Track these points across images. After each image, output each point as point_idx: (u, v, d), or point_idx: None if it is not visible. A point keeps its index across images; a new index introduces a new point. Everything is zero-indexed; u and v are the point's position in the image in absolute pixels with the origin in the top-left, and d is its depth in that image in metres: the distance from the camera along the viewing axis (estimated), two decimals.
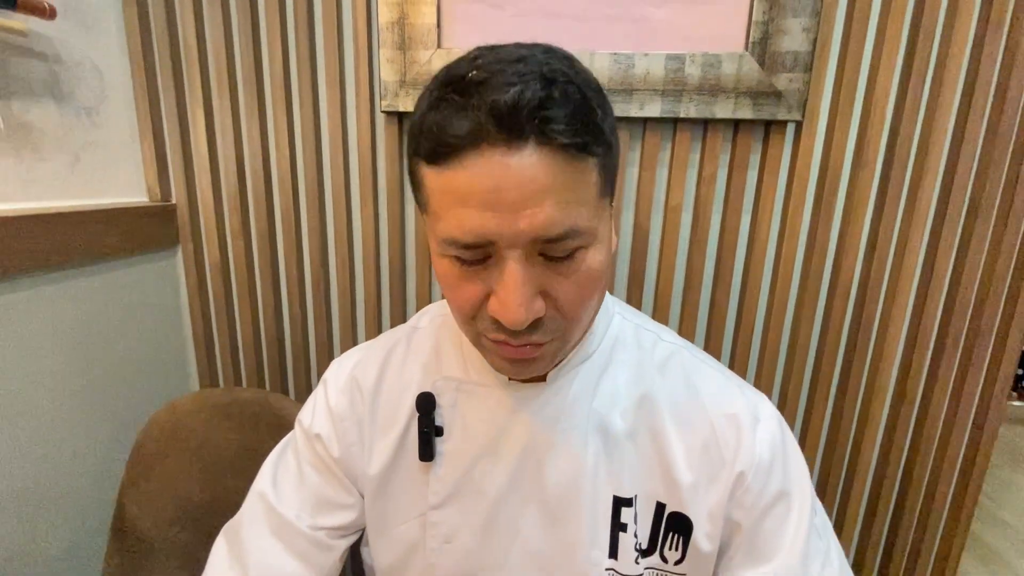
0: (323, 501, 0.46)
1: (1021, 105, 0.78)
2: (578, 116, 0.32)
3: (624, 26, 0.76)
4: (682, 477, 0.43)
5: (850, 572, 0.46)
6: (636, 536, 0.44)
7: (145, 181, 0.91)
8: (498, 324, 0.35)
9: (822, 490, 0.93)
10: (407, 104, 0.80)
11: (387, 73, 0.79)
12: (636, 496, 0.44)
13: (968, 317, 0.85)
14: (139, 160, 0.90)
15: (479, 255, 0.34)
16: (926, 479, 0.91)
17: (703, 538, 0.43)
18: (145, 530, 0.67)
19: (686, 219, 0.85)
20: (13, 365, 0.69)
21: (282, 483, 0.46)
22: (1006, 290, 0.84)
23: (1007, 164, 0.80)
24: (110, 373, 0.82)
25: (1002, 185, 0.80)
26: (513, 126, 0.31)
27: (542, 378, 0.44)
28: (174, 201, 0.91)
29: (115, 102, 0.85)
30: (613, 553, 0.43)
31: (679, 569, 0.44)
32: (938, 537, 0.93)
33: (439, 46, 0.78)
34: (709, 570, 0.45)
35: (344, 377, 0.48)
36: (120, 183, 0.87)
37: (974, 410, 0.88)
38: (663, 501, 0.44)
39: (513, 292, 0.33)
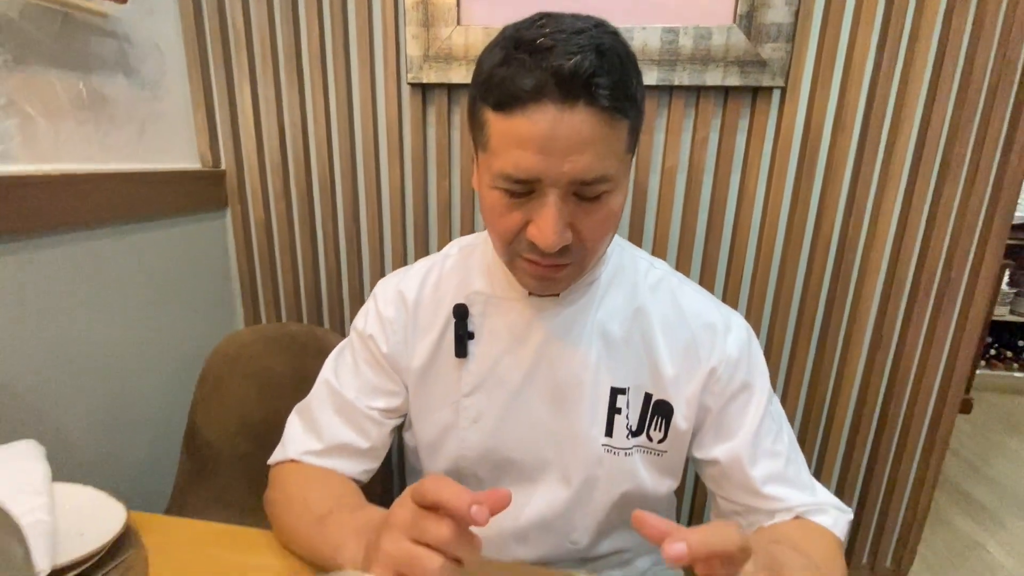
0: (375, 387, 0.56)
1: (988, 72, 0.85)
2: (620, 85, 0.39)
3: (624, 2, 0.85)
4: (666, 371, 0.53)
5: (798, 450, 0.55)
6: (628, 419, 0.54)
7: (197, 149, 1.02)
8: (533, 246, 0.43)
9: (805, 426, 1.02)
10: (430, 76, 0.90)
11: (412, 48, 0.89)
12: (629, 388, 0.53)
13: (940, 267, 0.93)
14: (192, 130, 1.01)
15: (525, 189, 0.42)
16: (901, 416, 1.00)
17: (681, 419, 0.53)
18: (212, 441, 0.79)
19: (681, 179, 0.94)
20: (99, 302, 0.81)
21: (342, 373, 0.57)
22: (975, 242, 0.92)
23: (975, 126, 0.87)
24: (174, 312, 0.94)
25: (971, 146, 0.88)
26: (570, 88, 0.38)
27: (556, 294, 0.54)
28: (223, 167, 1.03)
29: (172, 78, 0.97)
30: (609, 432, 0.53)
31: (661, 447, 0.54)
32: (913, 469, 1.02)
33: (458, 23, 0.88)
34: (684, 447, 0.55)
35: (391, 291, 0.58)
36: (177, 151, 0.99)
37: (946, 352, 0.96)
38: (650, 392, 0.54)
39: (551, 222, 0.41)
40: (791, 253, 0.94)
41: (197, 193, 0.99)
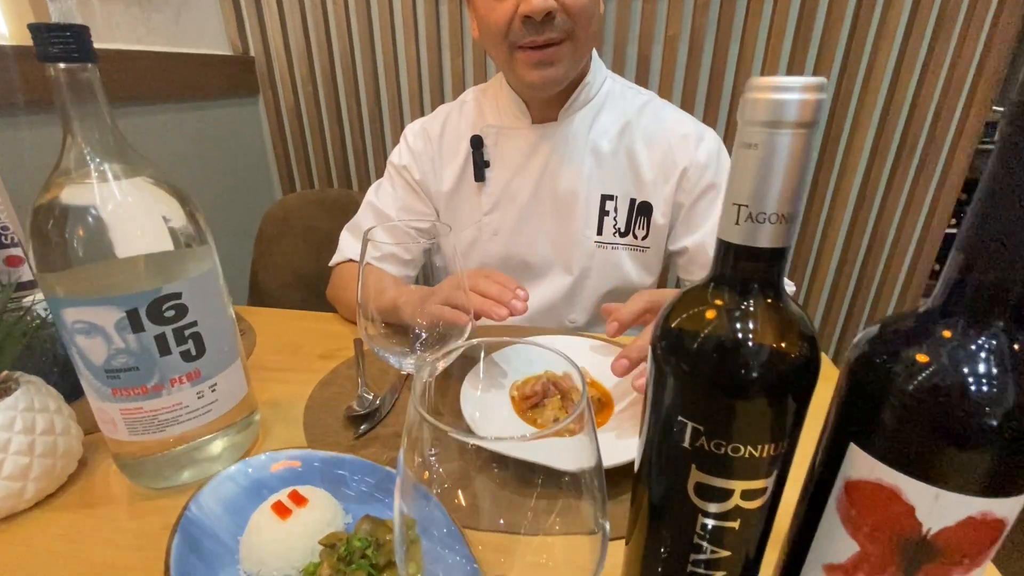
0: (409, 208, 0.68)
1: None
2: None
3: None
4: (647, 176, 0.64)
5: None
6: (616, 221, 0.65)
7: (227, 36, 1.09)
8: (526, 26, 0.52)
9: (790, 278, 1.13)
10: None
11: None
12: (617, 196, 0.64)
13: (927, 124, 0.99)
14: (221, 18, 1.07)
15: None
16: (878, 275, 1.10)
17: (659, 216, 0.64)
18: (272, 290, 0.93)
19: (683, 48, 0.99)
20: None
21: (383, 198, 0.69)
22: (962, 100, 0.97)
23: None
24: (221, 184, 1.06)
25: (965, 3, 0.91)
26: None
27: (555, 118, 0.63)
28: (252, 54, 1.10)
29: None
30: (600, 231, 0.65)
31: (645, 243, 0.66)
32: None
33: None
34: (663, 242, 0.66)
35: (418, 129, 0.68)
36: (209, 37, 1.06)
37: (925, 211, 1.05)
38: (635, 197, 0.64)
39: None
40: None
41: (231, 78, 1.07)
